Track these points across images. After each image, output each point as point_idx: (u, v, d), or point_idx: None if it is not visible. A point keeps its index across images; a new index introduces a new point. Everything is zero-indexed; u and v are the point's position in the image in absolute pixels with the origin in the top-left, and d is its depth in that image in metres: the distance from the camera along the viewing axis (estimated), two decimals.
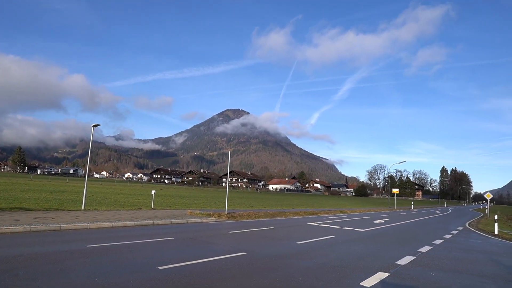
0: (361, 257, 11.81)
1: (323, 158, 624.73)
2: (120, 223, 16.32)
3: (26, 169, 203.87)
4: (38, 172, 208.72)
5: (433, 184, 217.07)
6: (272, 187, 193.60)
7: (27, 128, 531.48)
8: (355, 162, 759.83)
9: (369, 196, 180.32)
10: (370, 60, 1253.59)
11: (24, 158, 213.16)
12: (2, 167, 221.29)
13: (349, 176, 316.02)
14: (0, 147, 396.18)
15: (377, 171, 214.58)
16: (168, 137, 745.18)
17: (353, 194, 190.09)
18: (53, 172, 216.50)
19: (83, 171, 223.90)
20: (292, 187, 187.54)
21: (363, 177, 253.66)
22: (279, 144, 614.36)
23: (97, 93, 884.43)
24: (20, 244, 10.93)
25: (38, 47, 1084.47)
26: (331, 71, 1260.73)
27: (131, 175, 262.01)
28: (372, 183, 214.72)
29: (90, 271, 8.21)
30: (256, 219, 24.20)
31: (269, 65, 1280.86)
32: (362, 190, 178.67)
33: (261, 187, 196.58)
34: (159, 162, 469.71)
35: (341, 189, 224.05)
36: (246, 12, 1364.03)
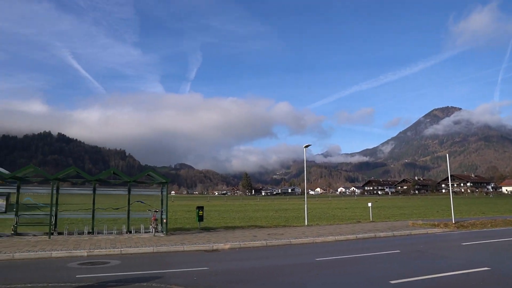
0: None
1: None
2: (342, 237, 16.72)
3: (253, 191, 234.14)
4: (263, 194, 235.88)
5: None
6: (506, 189, 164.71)
7: (249, 156, 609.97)
8: None
9: None
10: None
11: (250, 183, 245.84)
12: (235, 191, 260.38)
13: None
14: (231, 175, 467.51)
15: None
16: (374, 147, 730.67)
17: None
18: (274, 193, 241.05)
19: (300, 190, 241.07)
20: None
21: None
22: (506, 138, 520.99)
23: (302, 116, 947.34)
24: (260, 257, 12.44)
25: (249, 85, 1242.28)
26: None
27: (343, 189, 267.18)
28: None
29: (324, 284, 8.62)
30: (492, 228, 20.92)
31: (475, 51, 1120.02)
32: None
33: (491, 190, 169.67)
34: (369, 174, 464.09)
35: None
36: (436, 1, 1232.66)
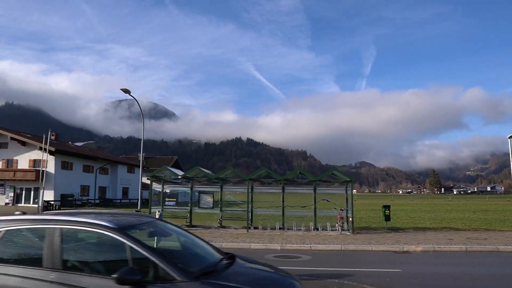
0: None
1: None
2: None
3: (442, 190, 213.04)
4: (454, 192, 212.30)
5: None
6: None
7: (435, 152, 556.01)
8: None
9: None
10: None
11: (439, 180, 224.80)
12: (422, 189, 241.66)
13: None
14: (416, 172, 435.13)
15: None
16: None
17: None
18: (469, 191, 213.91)
19: (502, 188, 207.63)
20: None
21: None
22: None
23: (499, 102, 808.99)
24: (459, 263, 11.21)
25: (430, 74, 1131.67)
26: None
27: None
28: None
29: None
30: None
31: None
32: None
33: None
34: None
35: None
36: None
